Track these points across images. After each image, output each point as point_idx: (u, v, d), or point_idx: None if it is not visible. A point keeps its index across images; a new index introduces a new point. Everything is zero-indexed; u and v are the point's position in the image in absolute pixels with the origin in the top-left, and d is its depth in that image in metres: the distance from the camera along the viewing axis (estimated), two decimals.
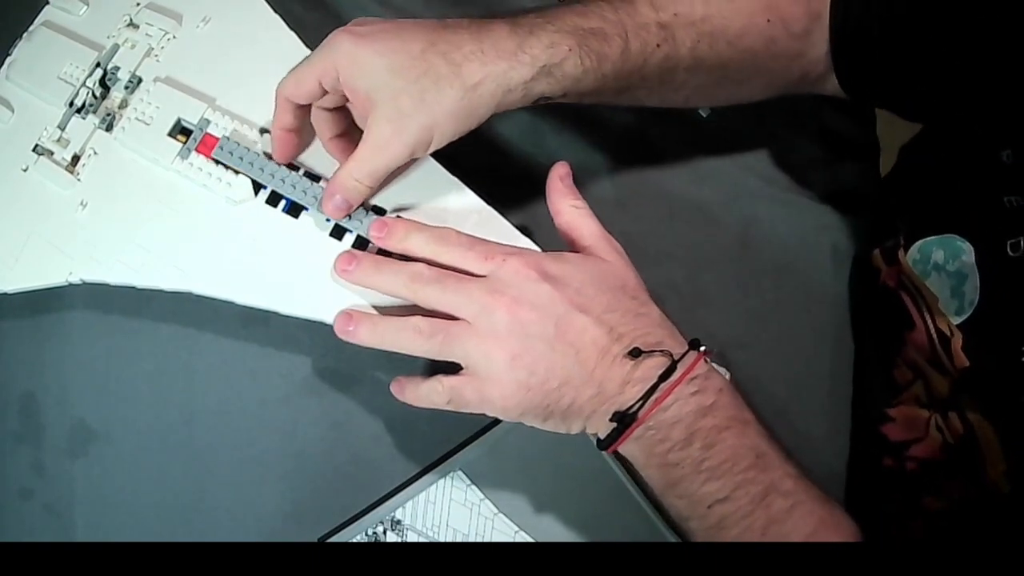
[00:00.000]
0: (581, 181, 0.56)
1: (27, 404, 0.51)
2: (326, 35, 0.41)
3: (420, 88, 0.39)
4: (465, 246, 0.42)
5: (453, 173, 0.47)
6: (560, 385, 0.39)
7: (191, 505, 0.50)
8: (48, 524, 0.50)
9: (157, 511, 0.50)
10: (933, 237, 0.48)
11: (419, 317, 0.41)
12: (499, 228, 0.47)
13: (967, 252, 0.46)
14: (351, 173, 0.42)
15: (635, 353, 0.40)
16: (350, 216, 0.46)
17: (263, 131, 0.48)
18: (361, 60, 0.39)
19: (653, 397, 0.39)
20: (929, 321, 0.47)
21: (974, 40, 0.44)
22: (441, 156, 0.47)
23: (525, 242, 0.46)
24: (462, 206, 0.47)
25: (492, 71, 0.39)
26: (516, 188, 0.56)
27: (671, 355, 0.40)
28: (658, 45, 0.43)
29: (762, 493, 0.39)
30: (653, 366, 0.40)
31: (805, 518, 0.39)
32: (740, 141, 0.60)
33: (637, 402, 0.39)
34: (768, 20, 0.45)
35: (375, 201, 0.47)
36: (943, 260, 0.47)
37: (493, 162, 0.56)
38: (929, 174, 0.54)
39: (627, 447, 0.41)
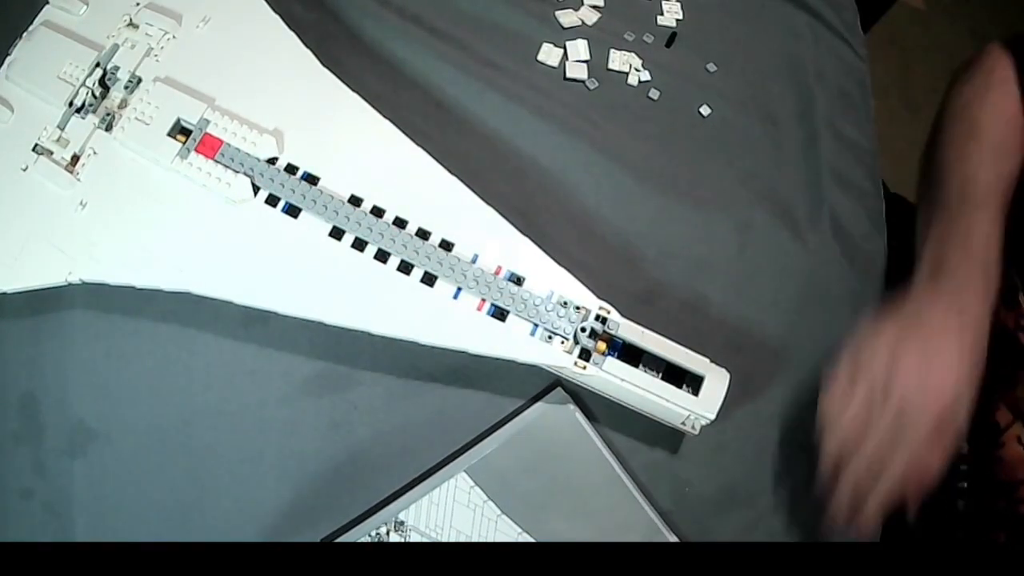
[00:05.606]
0: (579, 181, 0.57)
1: (27, 404, 0.51)
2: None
3: None
4: None
5: (460, 177, 0.48)
6: None
7: (191, 505, 0.50)
8: (48, 524, 0.50)
9: (157, 511, 0.50)
10: None
11: None
12: (507, 232, 0.47)
13: None
14: None
15: None
16: (348, 218, 0.46)
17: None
18: None
19: None
20: None
21: None
22: (448, 159, 0.47)
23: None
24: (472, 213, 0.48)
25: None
26: (515, 186, 0.56)
27: None
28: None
29: None
30: None
31: None
32: (741, 141, 0.60)
33: None
34: None
35: (375, 202, 0.47)
36: None
37: (493, 160, 0.56)
38: None
39: None
